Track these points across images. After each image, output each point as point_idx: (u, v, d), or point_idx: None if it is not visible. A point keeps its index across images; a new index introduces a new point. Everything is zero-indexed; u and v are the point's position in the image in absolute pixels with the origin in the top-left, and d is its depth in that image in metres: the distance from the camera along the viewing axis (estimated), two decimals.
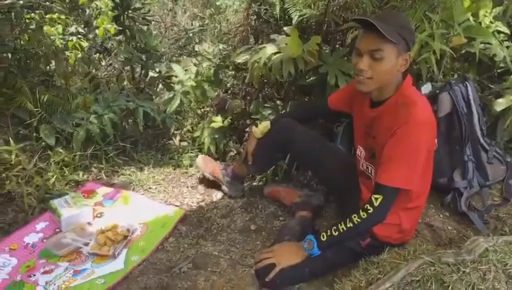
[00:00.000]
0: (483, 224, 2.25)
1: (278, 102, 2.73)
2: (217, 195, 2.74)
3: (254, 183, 2.80)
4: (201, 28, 5.60)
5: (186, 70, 3.02)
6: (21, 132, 2.82)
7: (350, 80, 2.34)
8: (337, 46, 2.55)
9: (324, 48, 2.49)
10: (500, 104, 2.56)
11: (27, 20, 2.88)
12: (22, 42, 2.82)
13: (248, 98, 2.88)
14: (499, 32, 2.66)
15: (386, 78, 1.75)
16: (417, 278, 1.57)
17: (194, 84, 2.91)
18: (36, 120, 2.82)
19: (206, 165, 2.73)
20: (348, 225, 1.78)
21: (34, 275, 2.20)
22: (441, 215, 2.38)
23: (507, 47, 2.63)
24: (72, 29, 3.83)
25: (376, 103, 1.87)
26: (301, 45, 2.29)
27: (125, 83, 3.57)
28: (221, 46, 2.99)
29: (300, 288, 1.96)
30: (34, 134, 2.83)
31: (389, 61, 1.69)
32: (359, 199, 2.00)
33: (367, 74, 1.72)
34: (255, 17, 2.75)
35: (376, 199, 1.72)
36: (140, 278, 2.18)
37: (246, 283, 2.07)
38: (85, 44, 3.64)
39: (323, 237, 1.86)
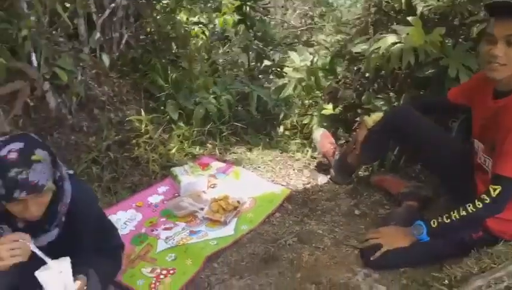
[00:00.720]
0: None
1: (391, 94, 2.76)
2: (322, 179, 2.83)
3: (360, 173, 2.85)
4: (310, 26, 5.72)
5: (301, 59, 3.15)
6: (151, 105, 3.14)
7: (472, 74, 2.31)
8: (460, 40, 2.52)
9: (447, 40, 2.48)
10: None
11: (163, 5, 3.19)
12: (158, 24, 3.14)
13: (360, 89, 2.94)
14: None
15: None
16: None
17: (308, 72, 3.03)
18: (164, 95, 3.12)
19: (323, 143, 2.83)
20: (462, 214, 1.78)
21: (156, 230, 2.46)
22: None
23: None
24: (195, 18, 4.14)
25: (501, 93, 1.85)
26: (424, 35, 2.30)
27: (241, 70, 3.80)
28: (339, 36, 3.08)
29: (406, 272, 1.99)
30: (162, 108, 3.13)
31: None
32: (474, 193, 1.98)
33: (502, 60, 1.70)
34: (375, 9, 2.80)
35: (494, 189, 1.71)
36: (249, 245, 2.35)
37: (349, 261, 2.14)
38: (207, 32, 3.93)
39: (434, 224, 1.87)
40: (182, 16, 4.08)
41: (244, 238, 2.39)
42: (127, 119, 2.91)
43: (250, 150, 3.23)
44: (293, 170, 2.99)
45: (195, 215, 2.56)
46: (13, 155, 1.36)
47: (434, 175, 2.44)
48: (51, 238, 1.59)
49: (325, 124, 3.09)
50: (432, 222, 1.88)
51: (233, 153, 3.18)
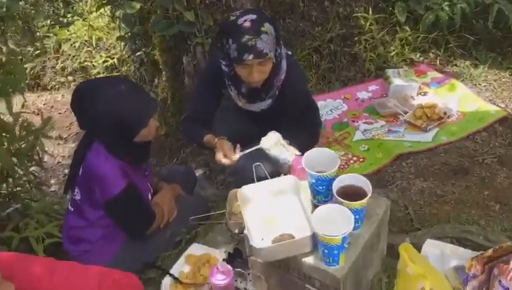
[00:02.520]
0: None
1: None
2: None
3: None
4: None
5: None
6: (380, 4, 3.16)
7: None
8: None
9: None
10: None
11: None
12: None
13: None
14: None
15: None
16: None
17: None
18: None
19: None
20: None
21: (357, 122, 2.66)
22: None
23: None
24: None
25: None
26: None
27: None
28: None
29: None
30: (390, 9, 3.13)
31: None
32: None
33: None
34: None
35: None
36: (443, 154, 2.35)
37: None
38: None
39: None
40: None
41: (441, 147, 2.40)
42: (353, 15, 3.02)
43: (475, 66, 3.02)
44: None
45: (397, 117, 2.64)
46: (247, 24, 1.66)
47: None
48: (264, 106, 1.93)
49: None
50: None
51: (455, 66, 3.03)
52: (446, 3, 3.03)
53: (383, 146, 2.44)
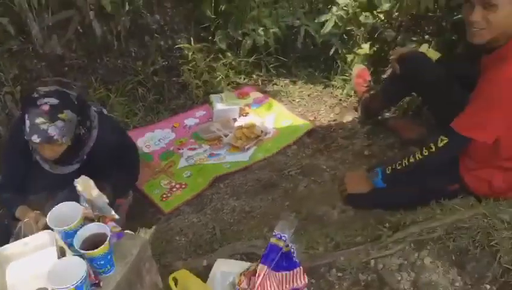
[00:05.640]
0: None
1: (427, 37, 2.63)
2: (348, 117, 2.88)
3: (387, 114, 2.82)
4: None
5: None
6: (201, 34, 3.36)
7: None
8: None
9: None
10: None
11: None
12: None
13: (401, 28, 2.82)
14: None
15: (500, 27, 1.62)
16: (466, 225, 1.58)
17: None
18: (214, 26, 3.31)
19: (358, 80, 2.86)
20: (410, 160, 1.82)
21: (182, 149, 2.80)
22: None
23: None
24: None
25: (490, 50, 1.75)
26: None
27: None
28: None
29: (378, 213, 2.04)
30: (210, 38, 3.34)
31: (503, 8, 1.57)
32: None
33: (480, 24, 1.62)
34: None
35: (442, 140, 1.72)
36: (258, 171, 2.57)
37: (337, 197, 2.24)
38: None
39: (388, 170, 1.93)
40: None
41: (256, 165, 2.62)
42: (175, 46, 3.19)
43: (294, 83, 3.33)
44: (325, 106, 3.07)
45: (220, 140, 2.83)
46: (45, 108, 1.70)
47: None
48: (72, 170, 1.98)
49: (365, 63, 3.04)
50: (387, 169, 1.94)
51: (276, 84, 3.32)
52: (261, 29, 3.31)
53: (203, 170, 2.60)
